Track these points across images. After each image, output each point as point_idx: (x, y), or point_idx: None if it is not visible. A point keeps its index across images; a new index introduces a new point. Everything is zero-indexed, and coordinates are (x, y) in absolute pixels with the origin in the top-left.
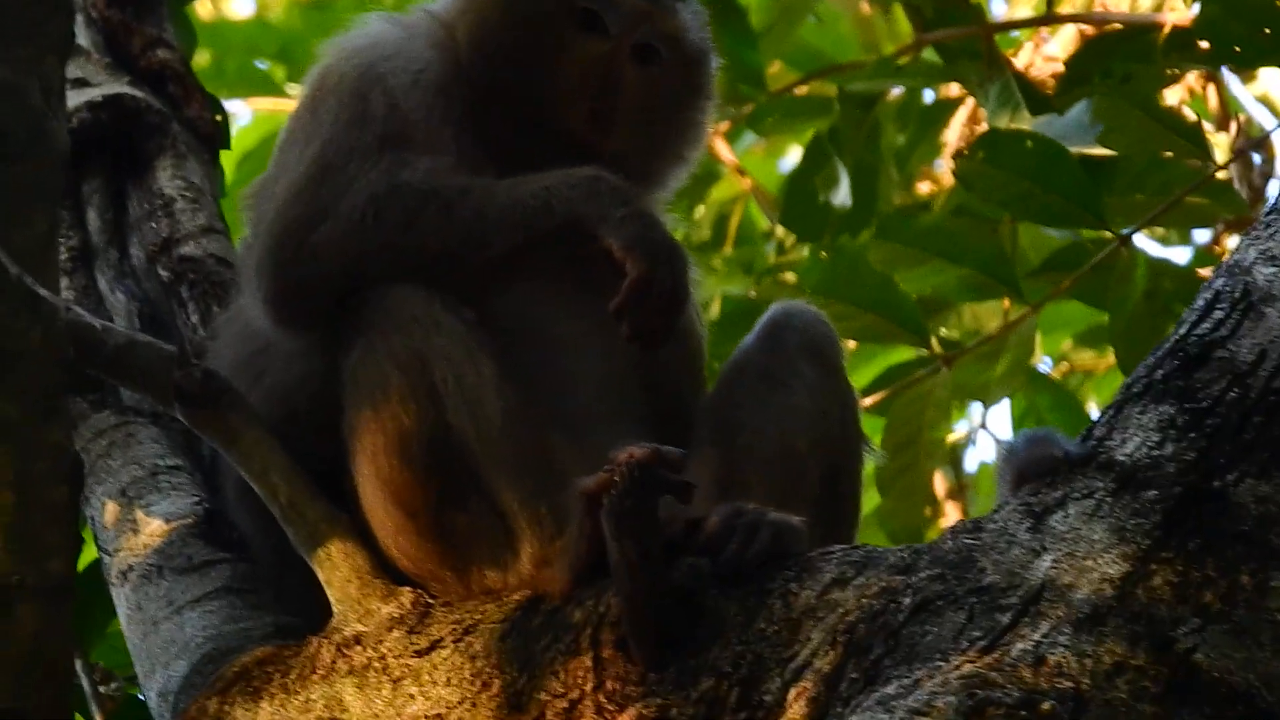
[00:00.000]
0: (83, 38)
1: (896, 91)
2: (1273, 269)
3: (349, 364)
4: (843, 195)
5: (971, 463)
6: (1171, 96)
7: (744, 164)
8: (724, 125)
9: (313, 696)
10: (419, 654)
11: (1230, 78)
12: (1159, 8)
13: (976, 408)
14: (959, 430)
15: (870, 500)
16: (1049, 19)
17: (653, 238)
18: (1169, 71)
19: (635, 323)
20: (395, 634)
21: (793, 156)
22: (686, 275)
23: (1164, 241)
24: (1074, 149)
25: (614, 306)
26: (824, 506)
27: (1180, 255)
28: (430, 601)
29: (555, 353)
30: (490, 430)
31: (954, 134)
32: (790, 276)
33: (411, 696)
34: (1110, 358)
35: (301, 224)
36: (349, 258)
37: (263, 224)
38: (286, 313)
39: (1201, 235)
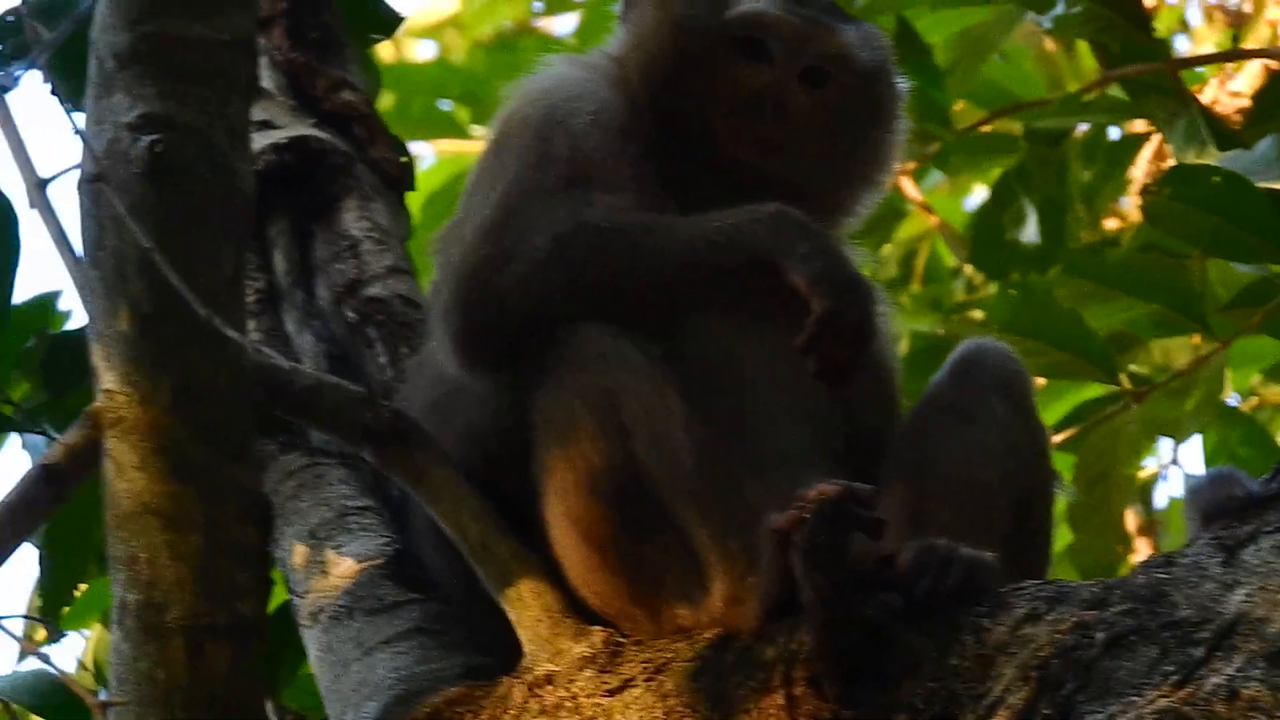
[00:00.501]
0: (267, 80)
1: (1082, 128)
2: None
3: (538, 402)
4: (1030, 232)
5: (1162, 498)
6: None
7: (929, 202)
8: (910, 164)
9: None
10: (610, 693)
11: None
12: None
13: (1166, 443)
14: (1149, 466)
15: (1062, 537)
16: (1235, 54)
17: (838, 272)
18: None
19: (822, 358)
20: (587, 673)
21: (978, 195)
22: (872, 310)
23: None
24: (1261, 184)
25: (800, 342)
26: (1015, 542)
27: None
28: (621, 640)
29: (745, 387)
30: (680, 466)
31: (1140, 170)
32: (978, 314)
33: None
34: None
35: (487, 265)
36: (534, 297)
37: (449, 267)
38: (473, 354)
39: None
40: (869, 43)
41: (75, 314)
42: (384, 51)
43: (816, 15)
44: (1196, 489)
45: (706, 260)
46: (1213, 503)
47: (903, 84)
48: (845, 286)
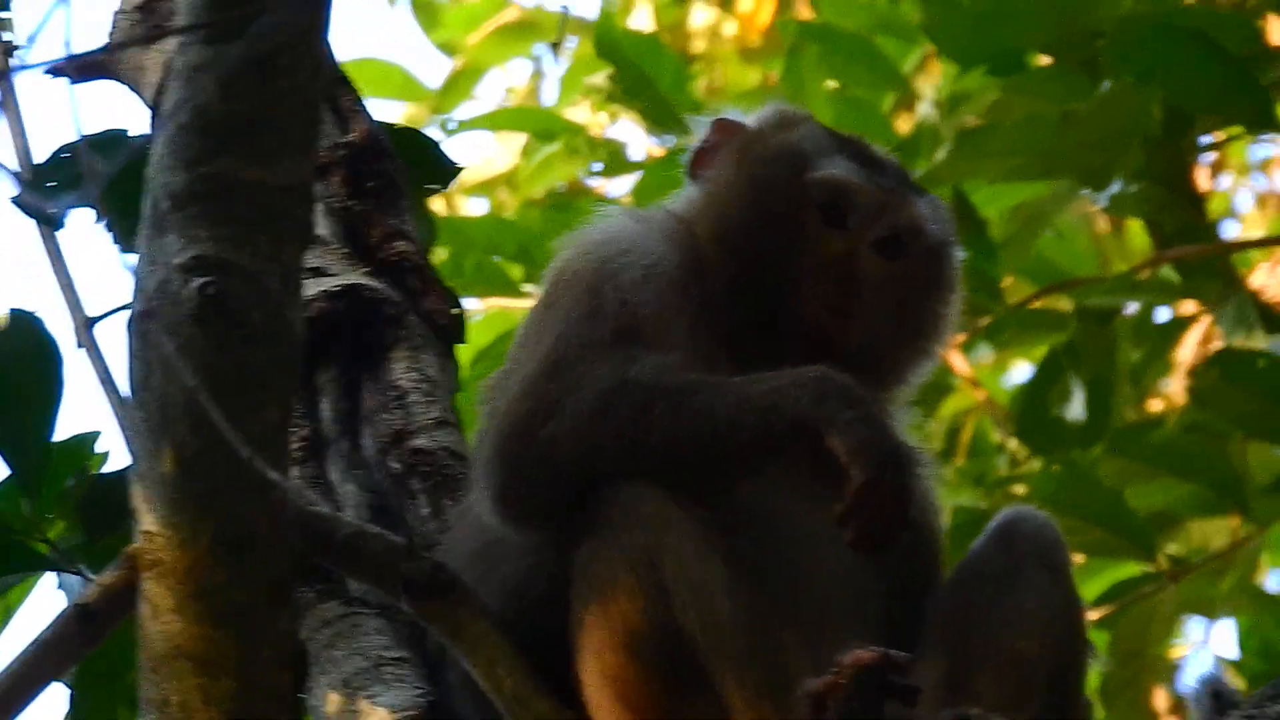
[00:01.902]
0: (322, 226)
1: (1131, 308)
2: None
3: (579, 559)
4: (1076, 409)
5: (1191, 679)
6: None
7: (975, 376)
8: (960, 337)
9: None
10: None
11: None
12: None
13: (1196, 622)
14: (1179, 644)
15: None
16: None
17: (879, 443)
18: None
19: (860, 528)
20: None
21: (1019, 371)
22: (912, 483)
23: None
24: None
25: (839, 512)
26: (1049, 713)
27: None
28: None
29: (788, 550)
30: (718, 629)
31: (1187, 351)
32: (1021, 489)
33: None
34: None
35: (531, 419)
36: (577, 454)
37: (494, 418)
38: (515, 507)
39: None
40: (938, 215)
41: (114, 454)
42: (434, 205)
43: (895, 185)
44: (1196, 694)
45: (751, 423)
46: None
47: (960, 255)
48: (886, 457)
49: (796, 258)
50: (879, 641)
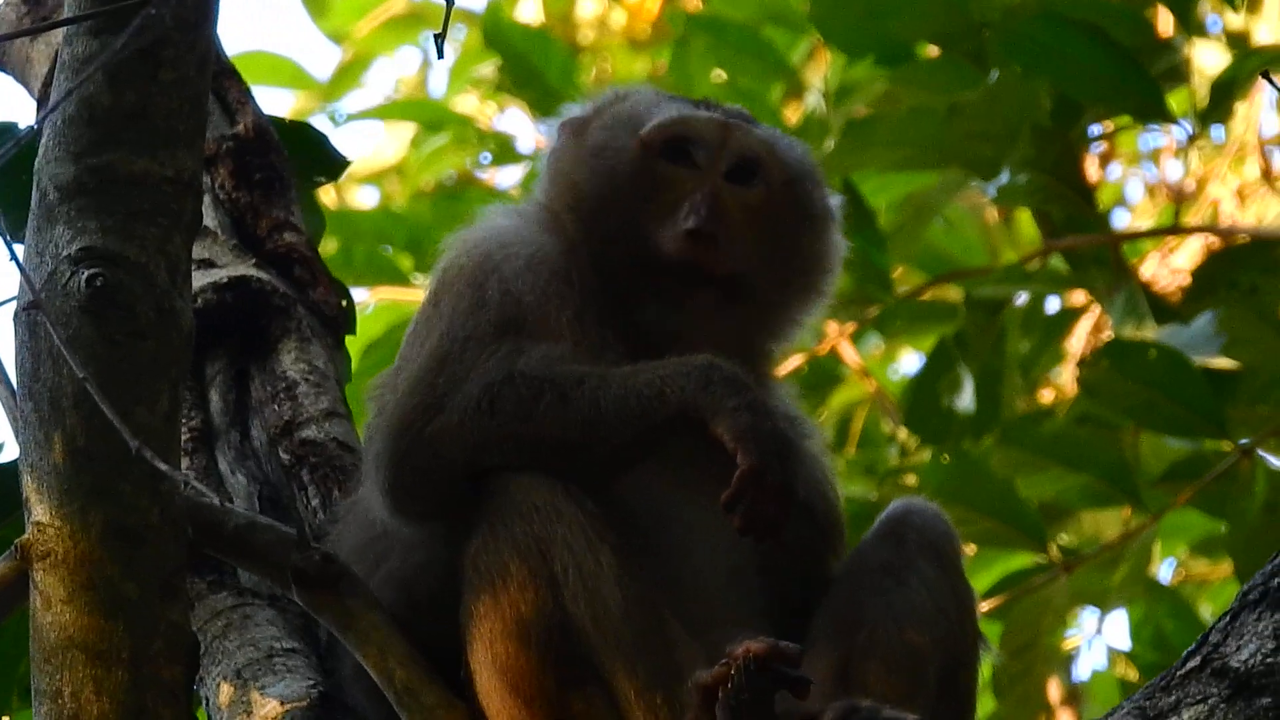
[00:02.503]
0: (209, 218)
1: (1021, 298)
2: None
3: (469, 550)
4: (967, 400)
5: (1085, 669)
6: None
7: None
8: (850, 327)
9: None
10: None
11: None
12: None
13: (1090, 613)
14: (1073, 636)
15: (984, 705)
16: (1176, 230)
17: (764, 429)
18: None
19: (747, 514)
20: None
21: (907, 361)
22: (798, 466)
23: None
24: (1198, 360)
25: (725, 499)
26: (941, 704)
27: None
28: None
29: (677, 542)
30: (609, 620)
31: (1078, 342)
32: (912, 479)
33: None
34: (1225, 567)
35: (419, 414)
36: (465, 447)
37: (383, 415)
38: (405, 502)
39: None
40: (791, 146)
41: (5, 445)
42: (325, 197)
43: (734, 118)
44: None
45: (637, 412)
46: None
47: (833, 199)
48: (770, 443)
49: (652, 207)
50: (770, 633)
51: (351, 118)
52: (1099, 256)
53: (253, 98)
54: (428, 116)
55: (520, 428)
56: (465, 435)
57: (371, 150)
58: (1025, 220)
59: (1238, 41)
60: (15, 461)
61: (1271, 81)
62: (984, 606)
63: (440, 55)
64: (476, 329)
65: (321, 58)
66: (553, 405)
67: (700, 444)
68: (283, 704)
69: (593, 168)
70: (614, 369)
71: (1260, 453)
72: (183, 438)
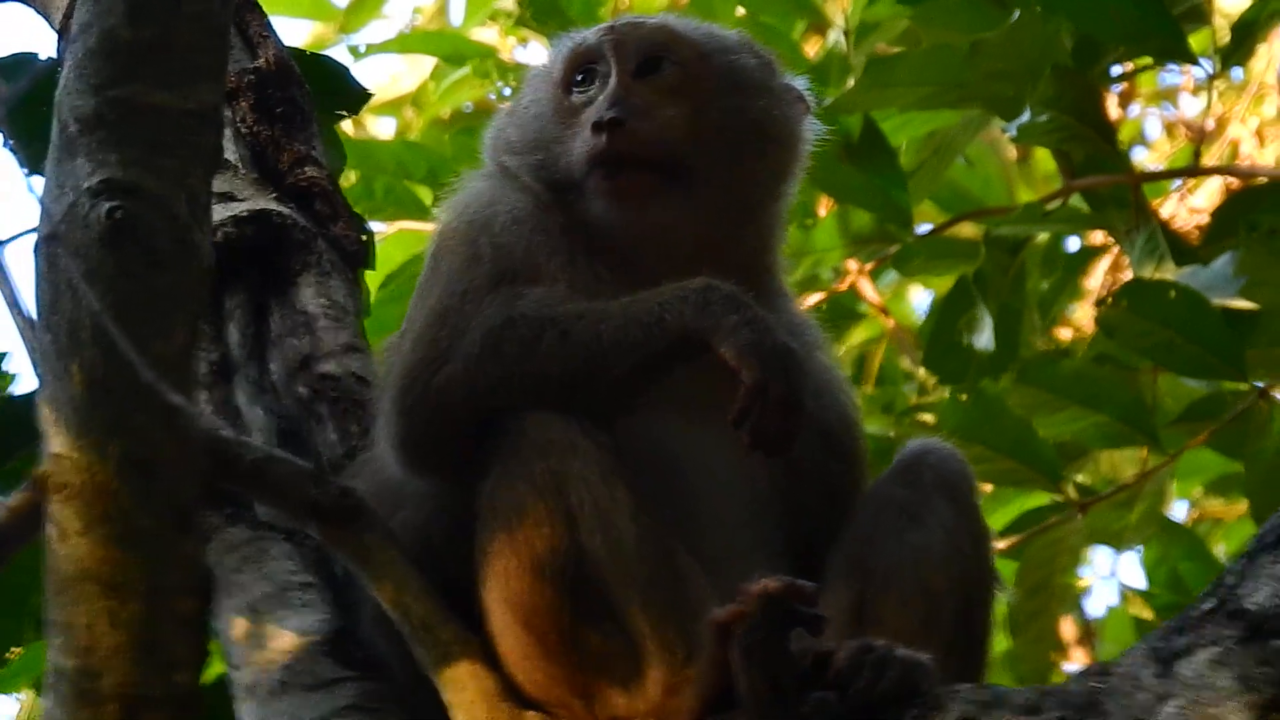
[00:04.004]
0: (230, 152)
1: (1041, 237)
2: None
3: (484, 489)
4: (985, 339)
5: (1099, 607)
6: None
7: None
8: (869, 264)
9: None
10: None
11: None
12: None
13: (1103, 552)
14: (1086, 575)
15: (999, 642)
16: (1197, 170)
17: (765, 343)
18: None
19: (754, 430)
20: None
21: (919, 298)
22: (802, 379)
23: None
24: (1217, 301)
25: (731, 416)
26: (955, 644)
27: None
28: None
29: (694, 481)
30: (624, 554)
31: (1097, 281)
32: (929, 418)
33: None
34: (1241, 506)
35: (424, 367)
36: (472, 394)
37: (391, 373)
38: (416, 456)
39: None
40: (697, 26)
41: (24, 377)
42: (343, 126)
43: (626, 21)
44: None
45: (638, 341)
46: None
47: (758, 59)
48: (773, 357)
49: (570, 134)
50: (787, 571)
51: (371, 49)
52: (1119, 196)
53: (274, 31)
54: (449, 49)
55: (524, 368)
56: (470, 382)
57: (389, 79)
58: (1044, 158)
59: None
60: (31, 394)
61: None
62: (999, 545)
63: None
64: (473, 283)
65: None
66: (554, 343)
67: (712, 378)
68: (298, 637)
69: (523, 127)
70: (612, 302)
71: (1278, 394)
72: (201, 371)
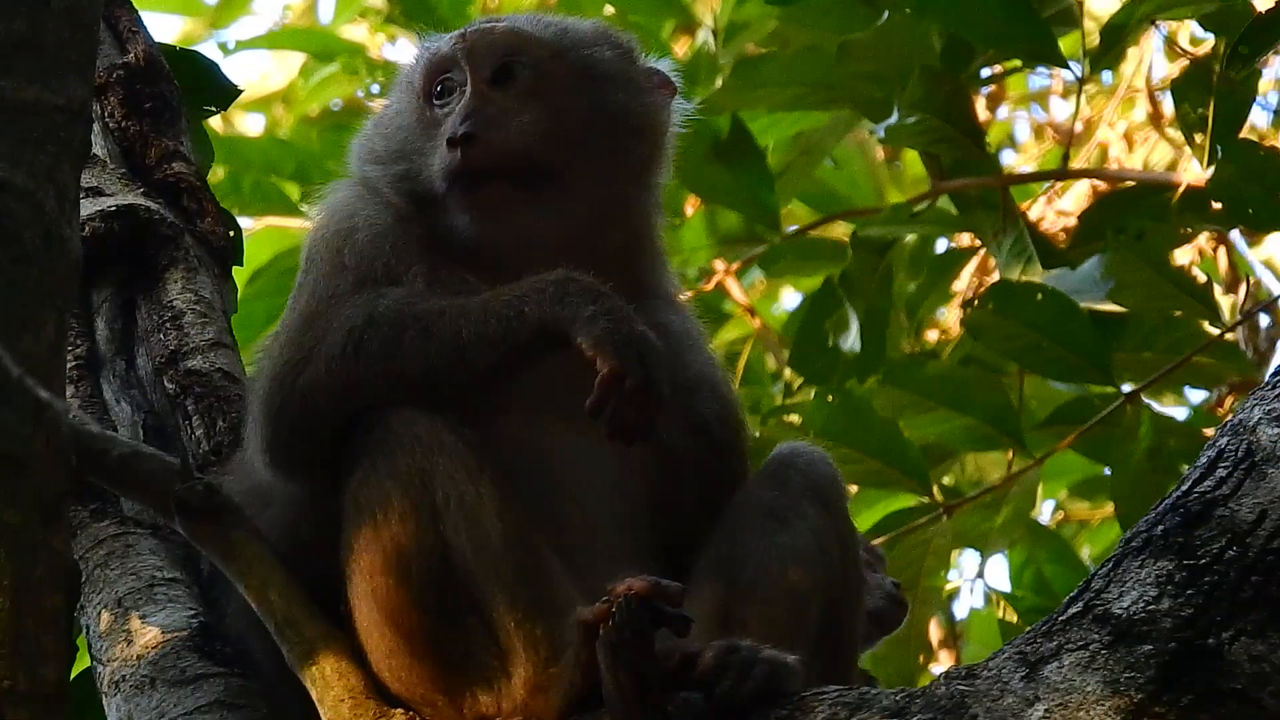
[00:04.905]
0: (99, 147)
1: (909, 238)
2: (1277, 429)
3: (350, 486)
4: (852, 339)
5: (963, 610)
6: (1182, 256)
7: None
8: (736, 264)
9: None
10: None
11: (1239, 241)
12: (1173, 167)
13: (970, 555)
14: (953, 579)
15: None
16: (1064, 174)
17: (621, 332)
18: (1182, 230)
19: (612, 420)
20: None
21: (789, 298)
22: (660, 368)
23: (1159, 399)
24: (1084, 304)
25: (589, 405)
26: (821, 646)
27: (1178, 414)
28: None
29: (561, 478)
30: (489, 550)
31: (964, 283)
32: (796, 418)
33: None
34: (1106, 509)
35: (290, 369)
36: (334, 393)
37: (260, 376)
38: (282, 457)
39: (1197, 395)
40: (549, 24)
41: None
42: (211, 122)
43: (478, 27)
44: None
45: (499, 335)
46: None
47: (615, 49)
48: (629, 346)
49: (429, 147)
50: (656, 571)
51: (240, 45)
52: (987, 199)
53: (144, 26)
54: (318, 46)
55: (386, 366)
56: (333, 381)
57: (258, 76)
58: (913, 160)
59: None
60: None
61: (1159, 28)
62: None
63: None
64: (339, 288)
65: None
66: (415, 339)
67: (582, 376)
68: (164, 632)
69: (388, 138)
70: (474, 298)
71: (1145, 399)
72: (68, 366)
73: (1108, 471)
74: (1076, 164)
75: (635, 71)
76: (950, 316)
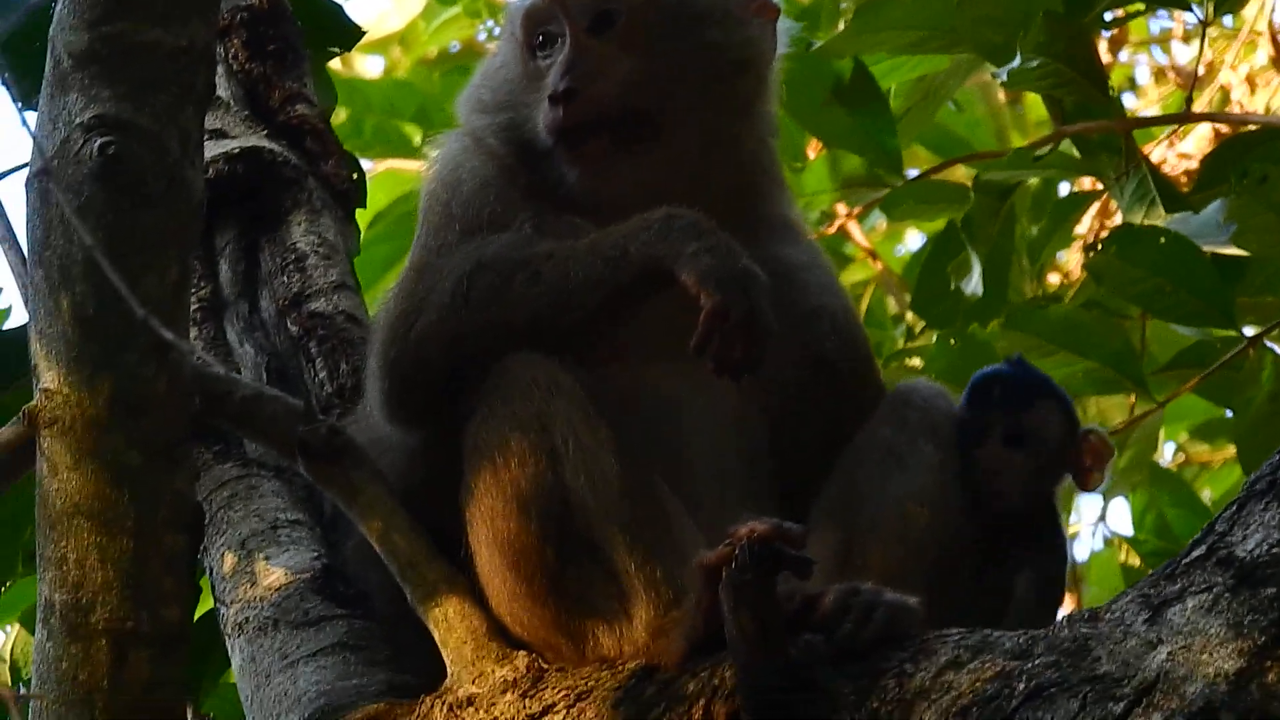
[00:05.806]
0: (222, 89)
1: (1031, 182)
2: None
3: (470, 430)
4: (974, 283)
5: (1085, 553)
6: None
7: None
8: (858, 208)
9: None
10: (531, 718)
11: None
12: None
13: (1087, 499)
14: (1073, 521)
15: None
16: (1188, 117)
17: (725, 266)
18: None
19: (717, 356)
20: (508, 697)
21: (912, 241)
22: (763, 302)
23: None
24: (1207, 248)
25: (694, 342)
26: (941, 585)
27: None
28: (545, 666)
29: (679, 421)
30: (609, 493)
31: (1086, 227)
32: (917, 361)
33: None
34: (1227, 451)
35: (403, 321)
36: (448, 340)
37: (376, 329)
38: (399, 409)
39: None
40: None
41: (15, 311)
42: (332, 64)
43: None
44: None
45: (604, 276)
46: None
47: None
48: (733, 281)
49: (534, 99)
50: (777, 514)
51: None
52: (1109, 142)
53: None
54: None
55: (496, 313)
56: (445, 328)
57: (375, 18)
58: (1034, 103)
59: None
60: (22, 328)
61: None
62: None
63: None
64: (447, 239)
65: None
66: (524, 283)
67: (685, 313)
68: (287, 574)
69: (494, 89)
70: (580, 241)
71: (1267, 342)
72: (191, 308)
73: (1229, 414)
74: (1198, 107)
75: (732, 3)
76: (1072, 260)
